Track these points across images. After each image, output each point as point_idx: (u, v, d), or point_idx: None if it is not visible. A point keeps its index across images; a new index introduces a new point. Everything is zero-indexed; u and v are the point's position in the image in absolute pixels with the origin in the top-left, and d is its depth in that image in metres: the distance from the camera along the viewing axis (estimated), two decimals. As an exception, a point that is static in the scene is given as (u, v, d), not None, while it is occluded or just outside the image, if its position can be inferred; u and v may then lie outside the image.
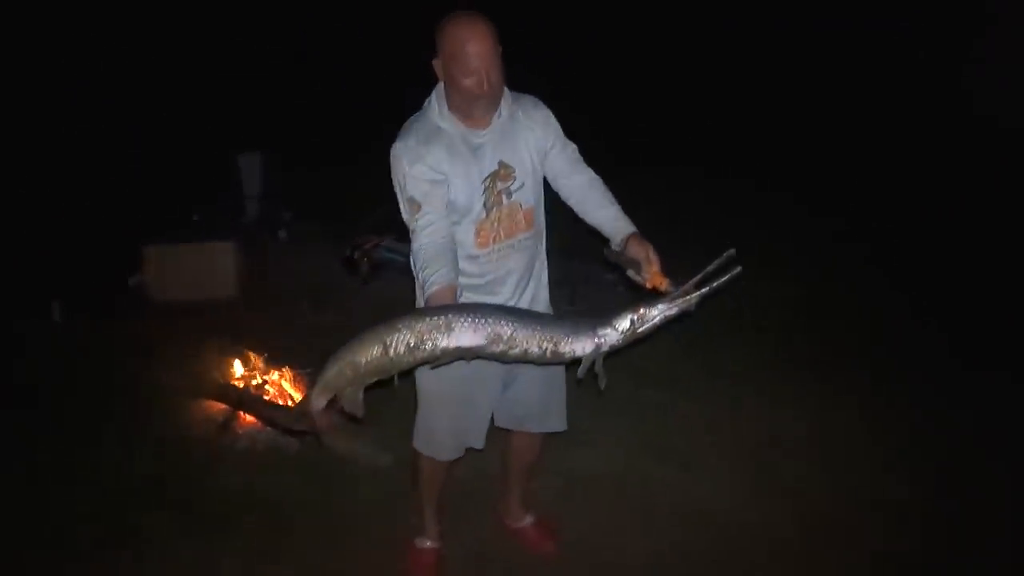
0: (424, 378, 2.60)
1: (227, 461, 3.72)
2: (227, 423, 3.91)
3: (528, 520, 3.18)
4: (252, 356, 4.16)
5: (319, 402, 2.30)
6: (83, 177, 6.90)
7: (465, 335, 2.07)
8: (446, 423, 2.74)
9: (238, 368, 4.15)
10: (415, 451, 2.87)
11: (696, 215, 6.80)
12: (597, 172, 2.64)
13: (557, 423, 2.90)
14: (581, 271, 5.08)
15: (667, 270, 2.33)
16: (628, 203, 2.59)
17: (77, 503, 3.47)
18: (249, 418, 3.93)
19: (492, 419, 2.84)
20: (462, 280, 2.46)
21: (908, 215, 6.60)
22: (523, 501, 3.19)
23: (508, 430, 2.98)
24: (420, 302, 2.45)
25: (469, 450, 2.86)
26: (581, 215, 2.62)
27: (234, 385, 4.07)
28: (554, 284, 2.80)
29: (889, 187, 7.31)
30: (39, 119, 7.76)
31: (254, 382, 4.05)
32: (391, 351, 2.09)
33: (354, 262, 5.31)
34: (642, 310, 2.14)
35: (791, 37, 11.06)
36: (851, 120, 9.18)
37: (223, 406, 4.03)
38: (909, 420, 3.96)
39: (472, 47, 2.24)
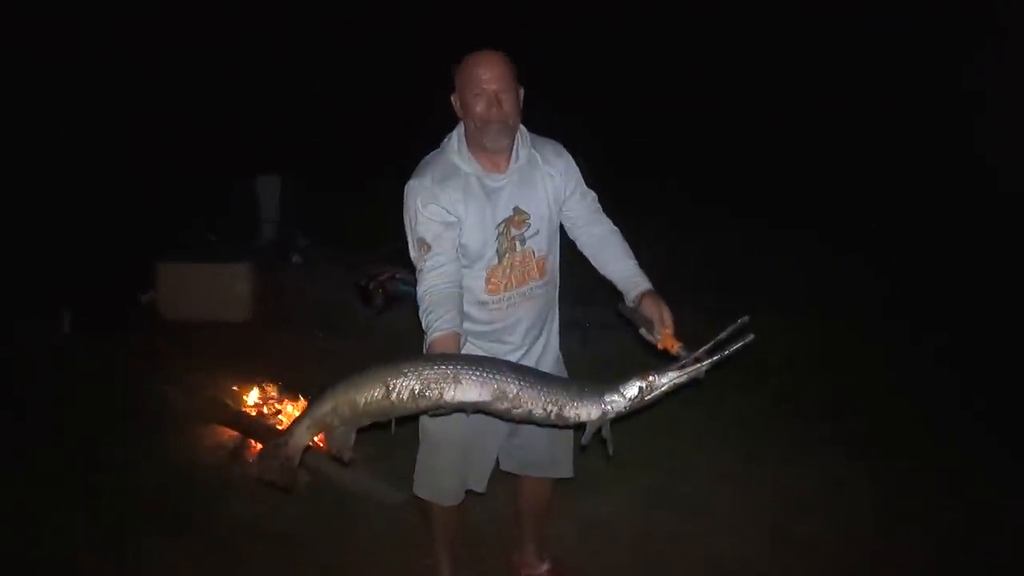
0: (428, 421, 2.54)
1: (236, 489, 3.66)
2: (238, 451, 3.87)
3: (544, 568, 3.12)
4: (267, 384, 4.12)
5: (302, 439, 2.17)
6: (100, 190, 6.90)
7: (472, 389, 2.02)
8: (449, 467, 2.68)
9: (252, 396, 4.10)
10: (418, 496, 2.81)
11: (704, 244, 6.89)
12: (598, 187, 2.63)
13: (564, 470, 2.85)
14: (595, 315, 5.05)
15: (679, 332, 2.30)
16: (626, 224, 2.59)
17: (78, 523, 3.41)
18: (260, 447, 3.87)
19: (498, 463, 2.80)
20: (470, 326, 2.44)
21: (921, 250, 6.61)
22: (539, 549, 3.13)
23: (516, 475, 2.92)
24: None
25: (484, 495, 2.81)
26: (596, 266, 2.60)
27: (247, 412, 4.02)
28: (566, 327, 2.78)
29: (899, 216, 7.33)
30: (58, 132, 7.78)
31: (267, 411, 4.01)
32: (394, 396, 2.02)
33: (369, 292, 5.31)
34: (651, 377, 2.09)
35: (791, 38, 11.13)
36: (855, 132, 9.29)
37: (234, 433, 3.98)
38: (924, 473, 3.89)
39: (484, 71, 2.28)
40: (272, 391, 4.13)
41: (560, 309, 2.71)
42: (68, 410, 4.26)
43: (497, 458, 2.78)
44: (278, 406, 4.04)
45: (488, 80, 2.28)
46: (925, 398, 4.58)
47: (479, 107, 2.29)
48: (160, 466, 3.80)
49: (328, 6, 11.63)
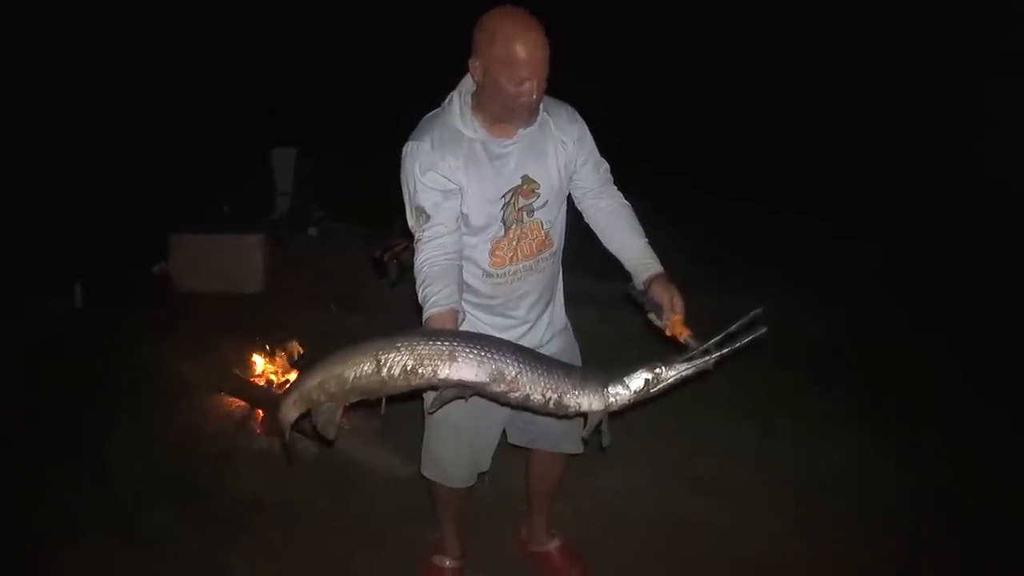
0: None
1: (243, 460, 3.61)
2: (245, 421, 3.80)
3: (554, 545, 3.02)
4: (275, 353, 4.05)
5: (291, 414, 2.10)
6: (112, 163, 6.87)
7: (468, 368, 1.92)
8: (455, 449, 2.58)
9: (259, 365, 4.03)
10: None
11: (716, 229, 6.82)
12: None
13: (573, 445, 2.71)
14: (614, 291, 4.92)
15: (689, 320, 2.19)
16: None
17: (85, 495, 3.36)
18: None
19: (506, 436, 2.71)
20: (472, 299, 2.34)
21: (944, 246, 6.48)
22: (548, 525, 3.04)
23: (527, 449, 2.82)
24: None
25: (493, 468, 2.73)
26: (604, 241, 2.47)
27: (254, 382, 3.95)
28: (585, 303, 2.66)
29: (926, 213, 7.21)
30: (73, 107, 7.75)
31: (275, 381, 3.93)
32: (385, 371, 1.92)
33: (383, 264, 5.18)
34: (658, 370, 2.00)
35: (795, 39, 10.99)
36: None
37: (242, 403, 3.92)
38: (950, 454, 3.78)
39: (527, 54, 2.03)
40: (281, 361, 4.05)
41: (576, 283, 2.59)
42: (77, 382, 4.21)
43: (505, 431, 2.69)
44: (287, 376, 3.96)
45: (530, 67, 2.04)
46: (952, 379, 4.47)
47: (516, 90, 2.08)
48: (166, 437, 3.75)
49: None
